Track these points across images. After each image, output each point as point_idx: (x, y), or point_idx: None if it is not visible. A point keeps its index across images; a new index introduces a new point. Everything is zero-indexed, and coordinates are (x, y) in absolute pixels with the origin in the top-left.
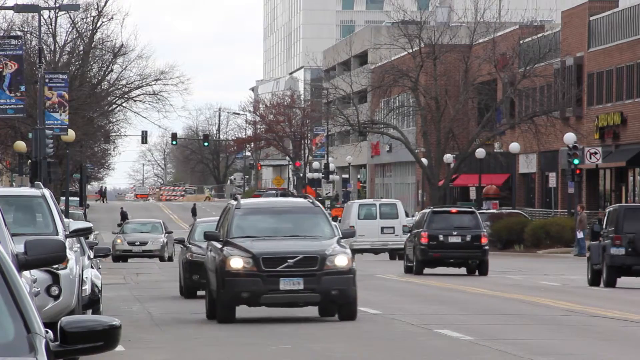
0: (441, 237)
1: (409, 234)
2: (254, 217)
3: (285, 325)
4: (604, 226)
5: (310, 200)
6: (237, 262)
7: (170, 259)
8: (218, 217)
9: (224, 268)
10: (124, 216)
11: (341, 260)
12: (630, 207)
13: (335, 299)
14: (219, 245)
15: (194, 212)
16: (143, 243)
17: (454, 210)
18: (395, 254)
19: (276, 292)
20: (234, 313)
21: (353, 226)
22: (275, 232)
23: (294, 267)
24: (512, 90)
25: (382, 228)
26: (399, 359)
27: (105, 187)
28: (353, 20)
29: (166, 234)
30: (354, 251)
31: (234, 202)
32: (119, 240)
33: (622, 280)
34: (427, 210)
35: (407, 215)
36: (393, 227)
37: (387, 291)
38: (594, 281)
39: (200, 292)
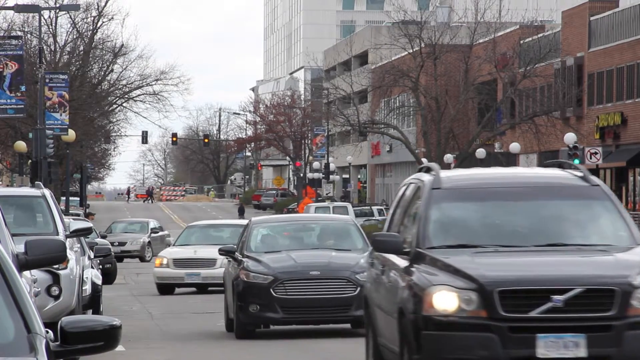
0: None
1: None
2: (474, 206)
3: (288, 326)
4: None
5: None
6: (447, 300)
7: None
8: (279, 215)
9: (419, 310)
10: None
11: None
12: None
13: None
14: (401, 263)
15: (241, 211)
16: (122, 243)
17: None
18: None
19: None
20: None
21: None
22: (512, 237)
23: (568, 311)
24: (513, 90)
25: None
26: None
27: (153, 187)
28: (353, 20)
29: (151, 234)
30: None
31: (423, 180)
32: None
33: None
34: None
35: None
36: None
37: None
38: None
39: (261, 330)
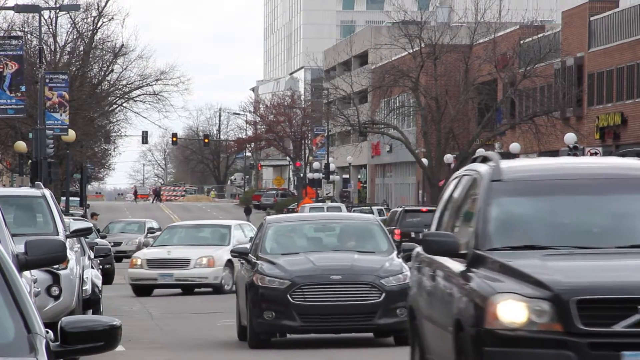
0: (413, 234)
1: None
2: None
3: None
4: None
5: None
6: (515, 310)
7: None
8: (303, 214)
9: (480, 322)
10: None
11: None
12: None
13: None
14: (457, 268)
15: (248, 211)
16: (117, 244)
17: (424, 209)
18: None
19: None
20: None
21: None
22: (588, 237)
23: None
24: (513, 90)
25: None
26: None
27: (160, 187)
28: (353, 20)
29: (147, 234)
30: None
31: (480, 171)
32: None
33: None
34: (399, 209)
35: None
36: None
37: None
38: None
39: (277, 339)
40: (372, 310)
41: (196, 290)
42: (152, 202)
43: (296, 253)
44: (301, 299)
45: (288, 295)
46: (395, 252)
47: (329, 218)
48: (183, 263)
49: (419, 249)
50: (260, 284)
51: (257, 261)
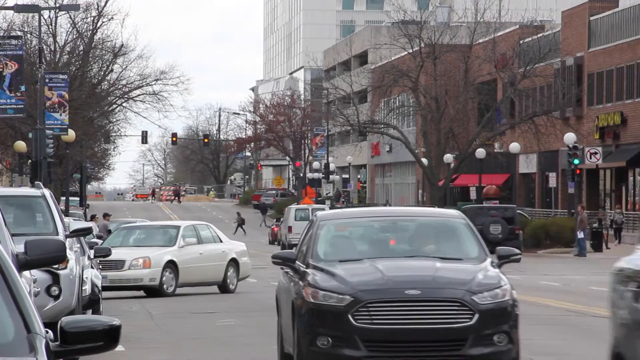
0: None
1: None
2: None
3: None
4: None
5: None
6: None
7: None
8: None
9: None
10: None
11: None
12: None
13: None
14: None
15: (264, 210)
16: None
17: None
18: None
19: None
20: None
21: (291, 226)
22: None
23: None
24: (512, 90)
25: None
26: None
27: (179, 186)
28: (353, 20)
29: None
30: (291, 246)
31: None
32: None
33: None
34: None
35: None
36: None
37: None
38: None
39: None
40: (462, 336)
41: (202, 291)
42: (172, 202)
43: (359, 260)
44: (366, 321)
45: (349, 316)
46: (490, 259)
47: (400, 214)
48: (117, 264)
49: None
50: (312, 300)
51: (307, 270)
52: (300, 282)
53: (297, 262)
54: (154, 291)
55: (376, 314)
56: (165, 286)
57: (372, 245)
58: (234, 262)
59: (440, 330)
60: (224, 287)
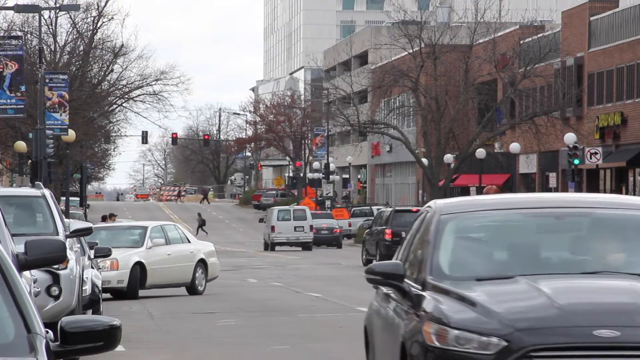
0: (403, 234)
1: (367, 230)
2: None
3: (285, 325)
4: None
5: None
6: None
7: None
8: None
9: None
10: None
11: None
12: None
13: None
14: None
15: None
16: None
17: (414, 209)
18: (305, 246)
19: None
20: None
21: (274, 225)
22: None
23: None
24: (513, 90)
25: (295, 227)
26: None
27: (209, 188)
28: (353, 20)
29: None
30: (274, 244)
31: None
32: None
33: None
34: (389, 210)
35: None
36: (303, 226)
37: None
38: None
39: None
40: None
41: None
42: (200, 203)
43: (508, 277)
44: None
45: None
46: None
47: (566, 203)
48: None
49: None
50: (437, 344)
51: (425, 293)
52: (415, 314)
53: (406, 280)
54: (120, 294)
55: None
56: (134, 288)
57: (525, 253)
58: (202, 263)
59: None
60: (192, 289)
